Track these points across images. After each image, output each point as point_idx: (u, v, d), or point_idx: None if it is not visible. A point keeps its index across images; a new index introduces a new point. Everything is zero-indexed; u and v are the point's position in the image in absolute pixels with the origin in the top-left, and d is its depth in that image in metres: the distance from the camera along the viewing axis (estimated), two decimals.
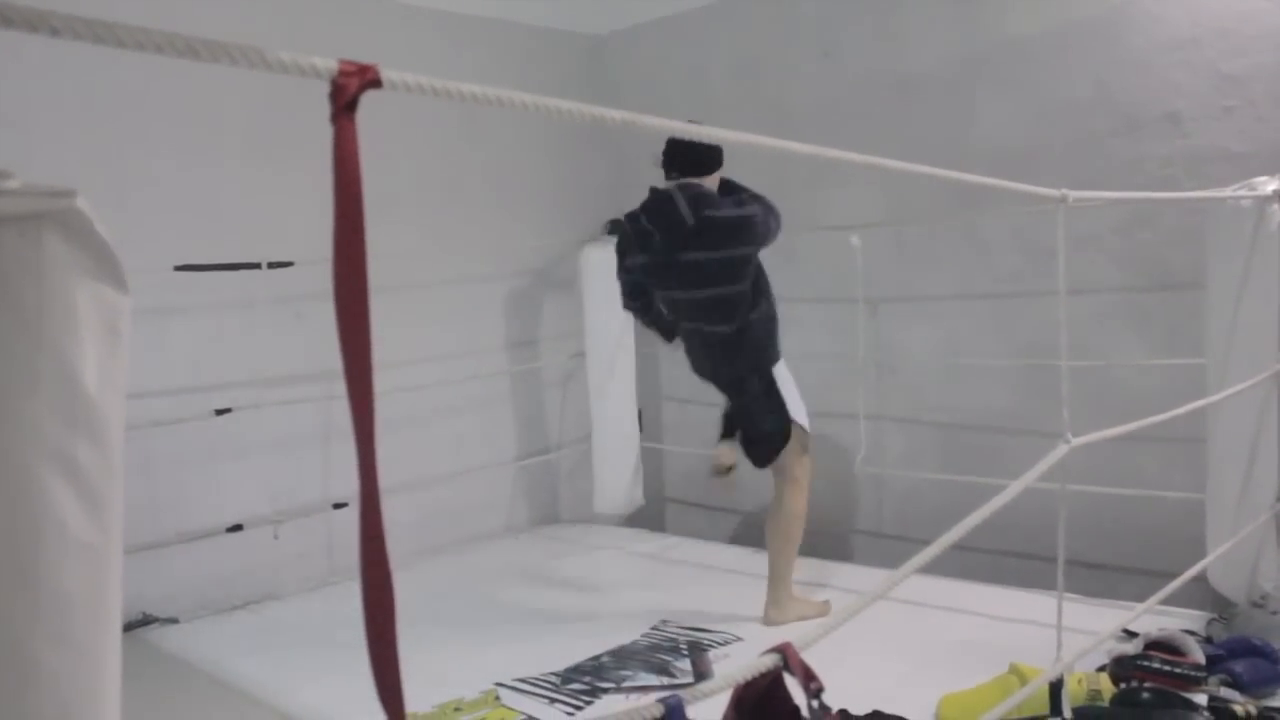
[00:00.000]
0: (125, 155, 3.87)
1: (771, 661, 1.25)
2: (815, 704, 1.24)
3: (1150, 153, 3.86)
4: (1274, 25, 3.60)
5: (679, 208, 3.53)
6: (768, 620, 3.63)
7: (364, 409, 0.94)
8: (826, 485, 4.87)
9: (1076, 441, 2.08)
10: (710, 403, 5.26)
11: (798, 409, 3.75)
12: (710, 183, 3.65)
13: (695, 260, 3.54)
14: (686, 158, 3.63)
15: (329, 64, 0.88)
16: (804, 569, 4.20)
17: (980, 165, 2.06)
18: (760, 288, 3.68)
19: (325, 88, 0.91)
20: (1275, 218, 3.01)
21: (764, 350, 3.71)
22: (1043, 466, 1.96)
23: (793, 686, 1.31)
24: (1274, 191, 3.00)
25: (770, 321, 3.72)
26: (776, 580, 3.67)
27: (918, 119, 4.45)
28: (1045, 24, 4.10)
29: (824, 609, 3.67)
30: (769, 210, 3.60)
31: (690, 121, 3.17)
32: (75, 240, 0.83)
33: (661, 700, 1.13)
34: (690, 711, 1.16)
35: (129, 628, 3.66)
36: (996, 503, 1.77)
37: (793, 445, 3.72)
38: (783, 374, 3.77)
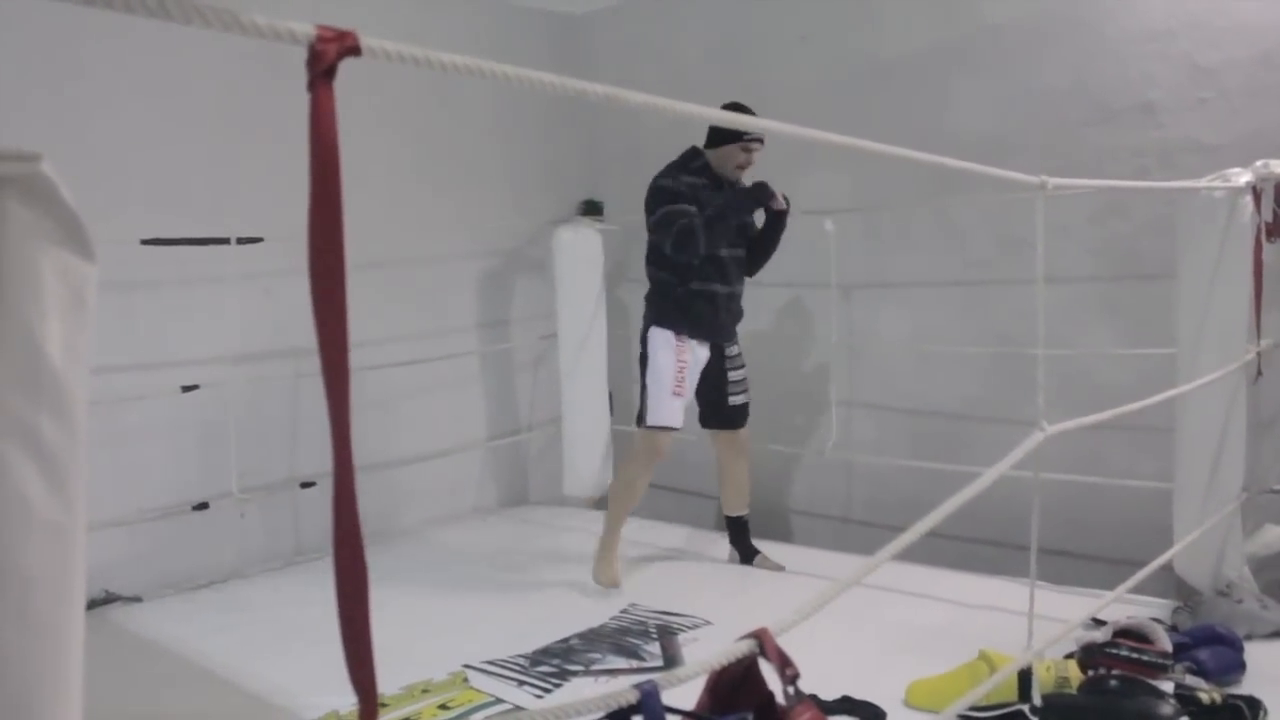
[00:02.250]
0: (91, 124, 3.80)
1: (747, 647, 1.24)
2: (791, 690, 1.23)
3: (1124, 143, 3.88)
4: (1248, 18, 3.61)
5: None
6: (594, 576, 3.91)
7: (339, 388, 0.92)
8: (795, 470, 4.89)
9: (1051, 429, 2.08)
10: None
11: (656, 394, 3.84)
12: (714, 155, 3.86)
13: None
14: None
15: (306, 29, 0.86)
16: (775, 555, 4.22)
17: (954, 152, 2.05)
18: (658, 254, 3.85)
19: (300, 56, 0.88)
20: (1247, 210, 3.03)
21: (652, 306, 3.91)
22: (1018, 454, 1.96)
23: (767, 672, 1.30)
24: (1246, 184, 3.02)
25: (658, 286, 3.89)
26: (601, 542, 3.96)
27: (893, 105, 4.45)
28: (1022, 12, 4.11)
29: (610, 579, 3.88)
30: (659, 196, 3.77)
31: (738, 107, 3.59)
32: (40, 206, 0.79)
33: (636, 686, 1.12)
34: (665, 697, 1.15)
35: (92, 606, 3.62)
36: (973, 489, 1.77)
37: (641, 423, 3.89)
38: (661, 345, 3.85)
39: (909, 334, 4.53)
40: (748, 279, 4.03)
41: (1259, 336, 3.19)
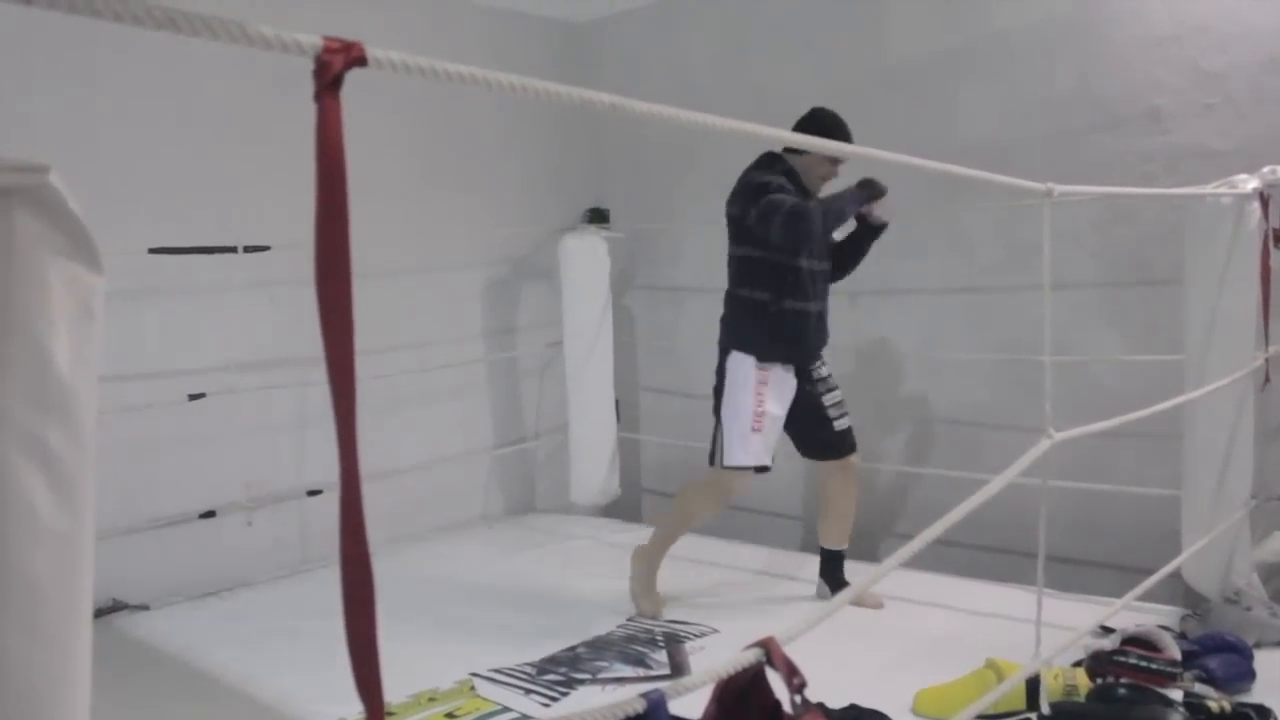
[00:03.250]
0: (99, 134, 3.81)
1: (754, 656, 1.24)
2: (798, 699, 1.23)
3: (1130, 149, 3.87)
4: (1255, 23, 3.61)
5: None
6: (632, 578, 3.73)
7: (345, 397, 0.92)
8: (802, 477, 4.88)
9: (1059, 436, 2.08)
10: (687, 394, 5.26)
11: (734, 430, 3.49)
12: (799, 161, 3.55)
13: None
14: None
15: (313, 40, 0.86)
16: (780, 562, 4.21)
17: (961, 159, 2.05)
18: (746, 270, 3.53)
19: (307, 67, 0.88)
20: (1254, 216, 3.02)
21: (732, 331, 3.58)
22: (1025, 461, 1.96)
23: (774, 681, 1.29)
24: (1253, 190, 3.01)
25: (745, 306, 3.53)
26: (647, 549, 3.73)
27: (899, 112, 4.44)
28: (1028, 18, 4.11)
29: (651, 609, 3.66)
30: (760, 189, 3.39)
31: (825, 116, 3.43)
32: (47, 217, 0.80)
33: (644, 695, 1.12)
34: (672, 706, 1.15)
35: (99, 614, 3.62)
36: (981, 496, 1.76)
37: (713, 461, 3.56)
38: (741, 375, 3.50)
39: (916, 340, 4.53)
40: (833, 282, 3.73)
41: (1267, 343, 3.18)
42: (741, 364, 3.48)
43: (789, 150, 3.54)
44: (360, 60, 0.88)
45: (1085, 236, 3.96)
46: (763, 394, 3.46)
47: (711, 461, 3.55)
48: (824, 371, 3.66)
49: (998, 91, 4.21)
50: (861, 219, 3.56)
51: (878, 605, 3.50)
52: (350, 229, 0.91)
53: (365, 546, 0.94)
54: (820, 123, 3.46)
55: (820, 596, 3.74)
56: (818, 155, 3.45)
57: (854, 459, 3.73)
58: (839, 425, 3.66)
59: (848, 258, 3.70)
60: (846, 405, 3.68)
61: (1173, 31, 3.77)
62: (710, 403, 3.59)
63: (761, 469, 3.51)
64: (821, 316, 3.59)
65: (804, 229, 3.26)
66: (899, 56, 4.48)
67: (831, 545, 3.77)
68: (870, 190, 3.39)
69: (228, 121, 4.18)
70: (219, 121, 4.16)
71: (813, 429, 3.66)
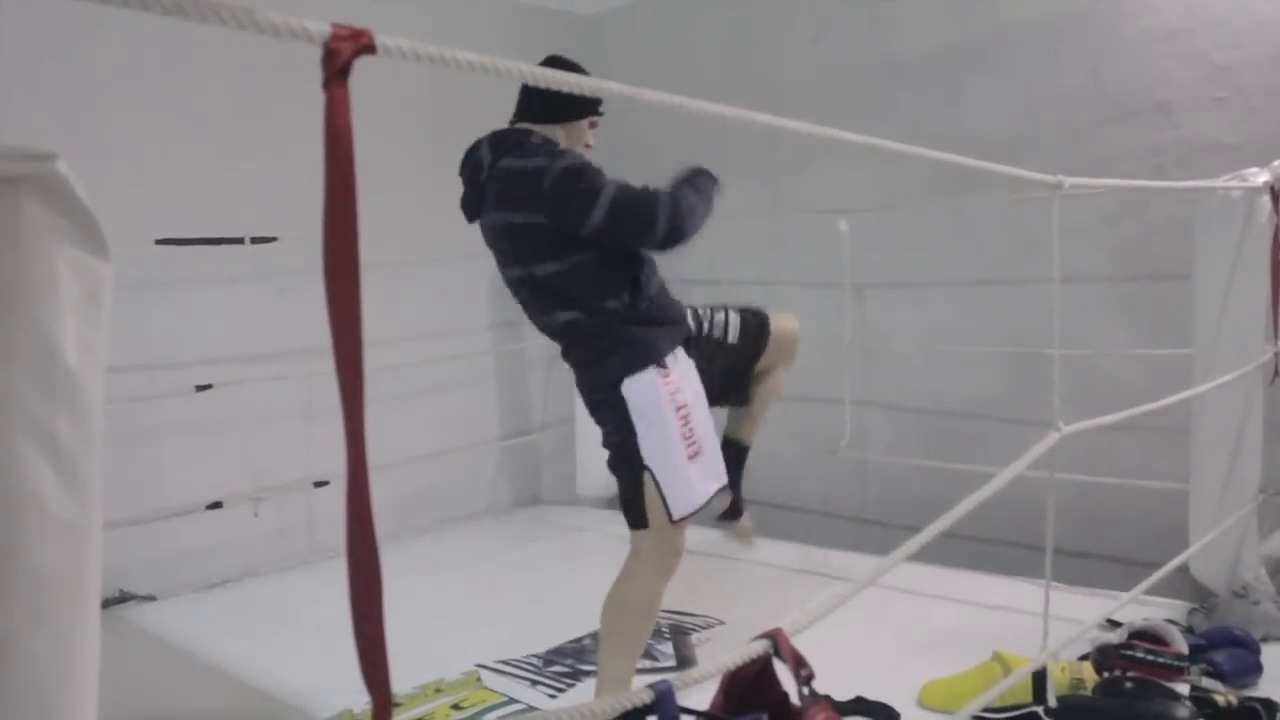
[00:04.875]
0: (105, 124, 3.81)
1: (762, 648, 1.24)
2: (806, 691, 1.22)
3: (1140, 142, 3.86)
4: (1267, 16, 3.59)
5: (480, 152, 2.83)
6: None
7: (354, 389, 0.91)
8: (809, 469, 4.88)
9: (1067, 430, 2.07)
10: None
11: (671, 473, 2.58)
12: (552, 131, 2.78)
13: (493, 224, 2.77)
14: (529, 99, 2.85)
15: (322, 28, 0.85)
16: (788, 554, 4.20)
17: (970, 152, 2.04)
18: (592, 280, 2.63)
19: (315, 55, 0.88)
20: (1265, 210, 3.01)
21: (607, 356, 2.65)
22: (1034, 454, 1.95)
23: (781, 672, 1.29)
24: (1264, 183, 3.00)
25: (618, 318, 2.63)
26: (601, 680, 2.69)
27: (907, 105, 4.43)
28: (1038, 11, 4.09)
29: None
30: (590, 183, 2.54)
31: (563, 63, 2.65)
32: (55, 205, 0.80)
33: (651, 686, 1.12)
34: (679, 697, 1.15)
35: (106, 605, 3.63)
36: (989, 489, 1.76)
37: (651, 523, 2.62)
38: (646, 401, 2.58)
39: (923, 333, 4.52)
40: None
41: (1277, 337, 3.17)
42: (643, 386, 2.57)
43: (550, 119, 2.79)
44: (369, 48, 0.88)
45: (1095, 230, 3.95)
46: (683, 403, 2.60)
47: (643, 524, 2.65)
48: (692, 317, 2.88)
49: (1007, 84, 4.19)
50: None
51: (747, 539, 3.31)
52: (359, 219, 0.90)
53: (373, 538, 0.94)
54: (573, 69, 2.63)
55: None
56: (584, 124, 2.82)
57: (772, 333, 3.00)
58: (732, 336, 2.92)
59: None
60: (725, 308, 2.97)
61: (1184, 24, 3.75)
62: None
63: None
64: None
65: (691, 226, 2.58)
66: (907, 48, 4.47)
67: (745, 435, 3.22)
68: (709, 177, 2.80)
69: (235, 112, 4.17)
70: (226, 112, 4.16)
71: (727, 370, 2.95)
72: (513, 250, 2.73)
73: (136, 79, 3.91)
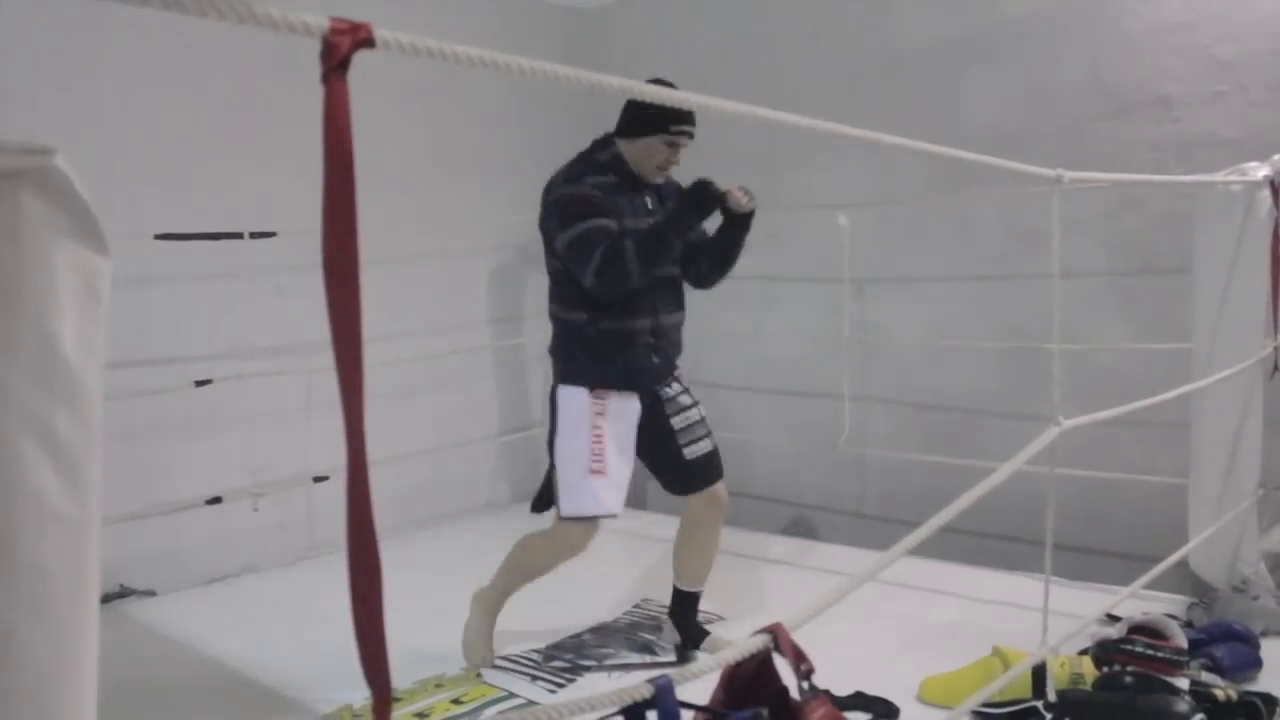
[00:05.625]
0: (104, 119, 3.81)
1: (762, 642, 1.24)
2: (805, 685, 1.22)
3: (1140, 137, 3.85)
4: (1267, 11, 3.58)
5: None
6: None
7: (353, 383, 0.91)
8: (808, 464, 4.88)
9: (1067, 424, 2.07)
10: (694, 381, 5.25)
11: (570, 475, 2.97)
12: (623, 145, 3.05)
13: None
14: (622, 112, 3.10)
15: (321, 21, 0.85)
16: (787, 549, 4.21)
17: (969, 147, 2.04)
18: (561, 287, 3.04)
19: (314, 49, 0.87)
20: (1265, 204, 3.01)
21: (558, 359, 3.09)
22: (1034, 448, 1.95)
23: (781, 667, 1.29)
24: (1264, 177, 3.00)
25: (565, 329, 3.04)
26: (485, 596, 3.24)
27: (907, 99, 4.42)
28: (1038, 5, 4.08)
29: (481, 659, 3.17)
30: (567, 210, 2.92)
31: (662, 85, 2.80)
32: (54, 200, 0.79)
33: (651, 681, 1.12)
34: (679, 692, 1.15)
35: (105, 600, 3.63)
36: (989, 483, 1.76)
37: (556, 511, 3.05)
38: (572, 411, 3.00)
39: (923, 328, 4.51)
40: (704, 291, 3.21)
41: (1276, 331, 3.17)
42: (573, 397, 2.98)
43: (620, 134, 3.05)
44: (368, 42, 0.87)
45: (1094, 224, 3.94)
46: (601, 429, 2.96)
47: (537, 509, 3.18)
48: (673, 390, 3.15)
49: (1007, 79, 4.18)
50: (723, 211, 3.01)
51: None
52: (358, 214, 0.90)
53: (373, 532, 0.94)
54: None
55: (670, 643, 3.27)
56: (656, 141, 2.97)
57: (718, 490, 3.19)
58: (690, 453, 3.12)
59: (715, 257, 3.13)
60: (706, 426, 3.19)
61: (1184, 19, 3.74)
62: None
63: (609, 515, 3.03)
64: (664, 332, 3.07)
65: (622, 277, 2.82)
66: (908, 43, 4.46)
67: (685, 585, 3.27)
68: (700, 203, 2.87)
69: (234, 106, 4.17)
70: (225, 106, 4.15)
71: (663, 460, 3.16)
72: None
73: (135, 73, 3.90)
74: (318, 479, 4.34)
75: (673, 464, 3.14)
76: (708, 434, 3.17)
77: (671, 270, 3.05)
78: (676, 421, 3.12)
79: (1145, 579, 2.73)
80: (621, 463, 3.00)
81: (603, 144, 3.06)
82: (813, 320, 4.82)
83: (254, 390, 4.18)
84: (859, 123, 1.64)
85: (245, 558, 4.19)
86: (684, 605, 3.26)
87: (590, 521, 2.99)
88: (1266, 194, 3.00)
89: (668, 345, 3.10)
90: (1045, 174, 2.13)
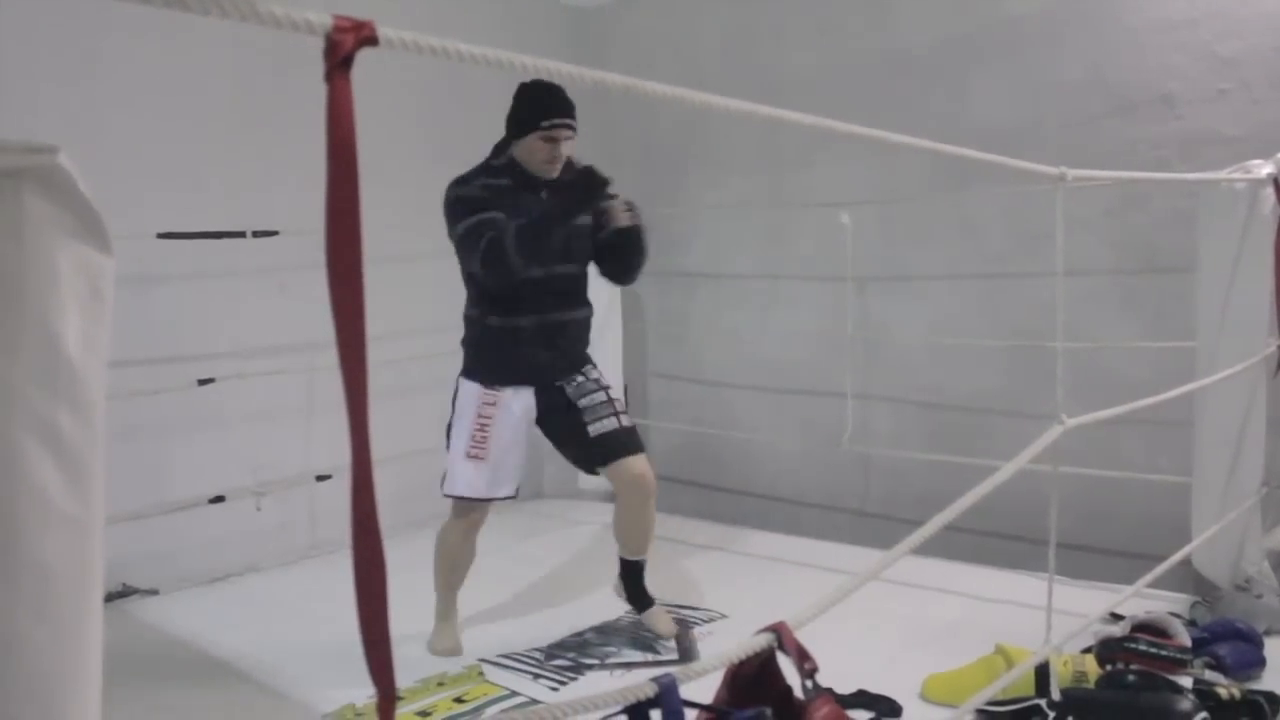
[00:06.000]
0: (106, 118, 3.81)
1: (766, 641, 1.24)
2: (809, 684, 1.22)
3: (1143, 135, 3.85)
4: (1271, 8, 3.58)
5: None
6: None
7: (357, 382, 0.91)
8: (811, 463, 4.88)
9: (1071, 423, 2.07)
10: (697, 380, 5.26)
11: (452, 456, 3.25)
12: (519, 147, 3.20)
13: None
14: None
15: (324, 19, 0.85)
16: (790, 548, 4.21)
17: (972, 145, 2.04)
18: (467, 285, 3.31)
19: (316, 47, 0.87)
20: (1268, 202, 3.00)
21: (464, 352, 3.36)
22: (1037, 447, 1.95)
23: (785, 666, 1.29)
24: (1268, 175, 2.99)
25: (466, 325, 3.34)
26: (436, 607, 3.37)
27: (909, 97, 4.42)
28: (1040, 3, 4.08)
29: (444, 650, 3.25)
30: (454, 210, 3.13)
31: (539, 88, 3.02)
32: (57, 198, 0.79)
33: (655, 679, 1.12)
34: (683, 690, 1.15)
35: (108, 599, 3.62)
36: (992, 482, 1.76)
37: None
38: (462, 401, 3.27)
39: (925, 327, 4.51)
40: (623, 286, 3.42)
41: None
42: (466, 391, 3.26)
43: (508, 136, 3.21)
44: (371, 40, 0.87)
45: (1097, 222, 3.94)
46: (489, 419, 3.19)
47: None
48: (578, 379, 3.29)
49: (1009, 77, 4.18)
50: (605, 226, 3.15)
51: (671, 632, 3.24)
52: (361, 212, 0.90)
53: (377, 531, 0.94)
54: (523, 97, 3.17)
55: (687, 645, 3.19)
56: (532, 138, 3.09)
57: (631, 463, 3.25)
58: (595, 430, 3.23)
59: (615, 259, 3.28)
60: (615, 406, 3.30)
61: (1187, 16, 3.74)
62: None
63: (494, 499, 3.27)
64: (556, 329, 3.21)
65: (503, 265, 2.94)
66: (910, 41, 4.46)
67: (624, 554, 3.39)
68: (582, 194, 2.97)
69: (237, 104, 4.17)
70: (227, 104, 4.15)
71: (571, 439, 3.31)
72: None
73: (138, 72, 3.90)
74: (320, 478, 4.34)
75: (579, 440, 3.27)
76: (614, 414, 3.28)
77: (569, 268, 3.22)
78: (582, 402, 3.26)
79: (1149, 577, 2.72)
80: (509, 452, 3.23)
81: (500, 148, 3.23)
82: (815, 319, 4.82)
83: (256, 389, 4.18)
84: (861, 121, 1.64)
85: (248, 557, 4.18)
86: (627, 572, 3.40)
87: (476, 503, 3.24)
88: (1270, 192, 2.99)
89: (564, 341, 3.25)
90: (1048, 172, 2.13)
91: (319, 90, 0.87)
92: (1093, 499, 3.84)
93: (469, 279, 3.23)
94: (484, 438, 3.18)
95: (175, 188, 3.98)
